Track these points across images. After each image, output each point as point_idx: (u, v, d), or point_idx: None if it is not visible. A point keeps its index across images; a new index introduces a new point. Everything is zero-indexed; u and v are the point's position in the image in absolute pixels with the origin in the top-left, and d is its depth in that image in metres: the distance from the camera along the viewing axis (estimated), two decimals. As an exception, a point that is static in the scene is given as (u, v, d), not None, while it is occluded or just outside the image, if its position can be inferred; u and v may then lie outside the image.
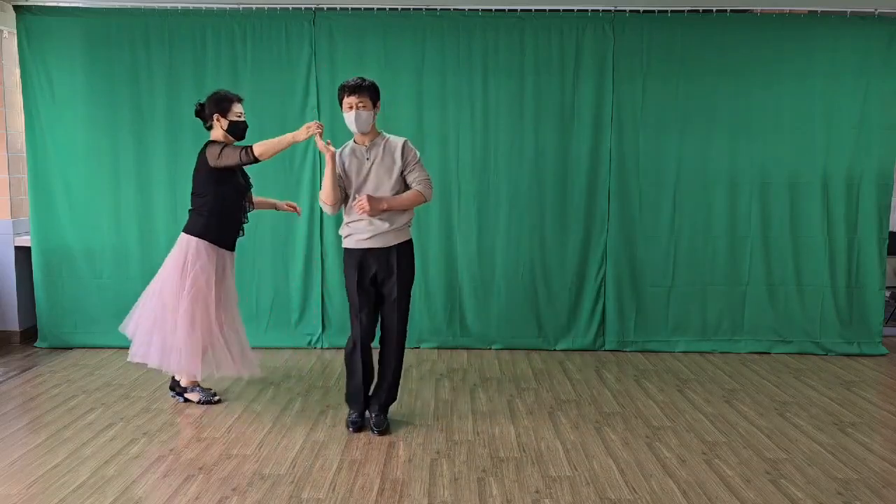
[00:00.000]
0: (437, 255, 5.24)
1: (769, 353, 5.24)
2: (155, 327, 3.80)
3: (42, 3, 5.01)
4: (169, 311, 3.78)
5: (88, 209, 5.18)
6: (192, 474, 3.18)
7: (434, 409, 4.04)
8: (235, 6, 5.03)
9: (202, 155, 3.78)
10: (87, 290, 5.22)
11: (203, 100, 3.90)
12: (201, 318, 3.77)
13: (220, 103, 3.83)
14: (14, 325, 5.27)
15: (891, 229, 5.38)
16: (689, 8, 5.05)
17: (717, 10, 5.05)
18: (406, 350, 3.84)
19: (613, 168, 5.16)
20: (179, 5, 5.04)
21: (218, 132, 3.85)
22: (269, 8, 5.03)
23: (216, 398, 4.08)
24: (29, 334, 5.33)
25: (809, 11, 5.09)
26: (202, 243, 3.80)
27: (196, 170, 3.84)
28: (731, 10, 5.06)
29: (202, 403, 4.04)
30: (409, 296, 3.66)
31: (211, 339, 3.82)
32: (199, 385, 4.08)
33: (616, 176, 5.16)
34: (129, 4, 5.02)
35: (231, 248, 3.94)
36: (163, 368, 3.85)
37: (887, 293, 5.44)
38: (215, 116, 3.82)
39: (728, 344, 5.27)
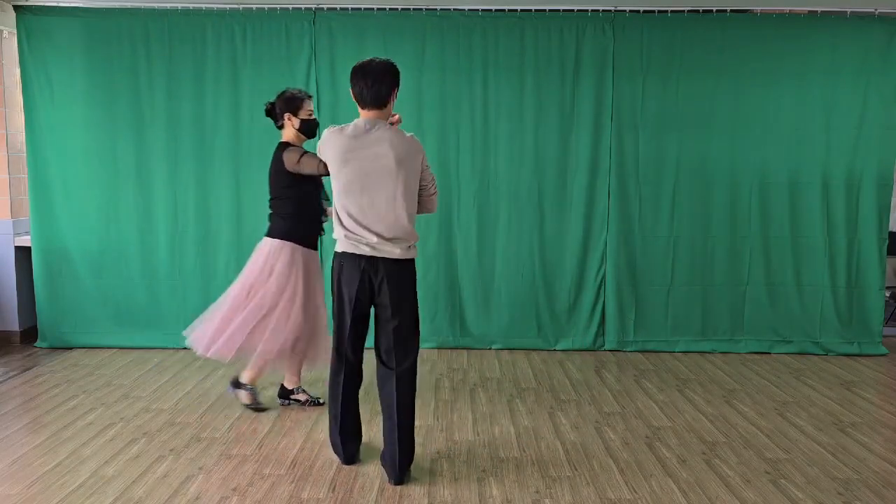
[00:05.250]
0: (437, 255, 5.25)
1: (769, 353, 5.24)
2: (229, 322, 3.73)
3: (42, 3, 5.00)
4: (264, 310, 3.72)
5: (88, 209, 5.17)
6: (192, 474, 3.18)
7: (434, 409, 4.04)
8: (235, 6, 5.03)
9: (278, 159, 3.68)
10: (87, 290, 5.21)
11: (271, 100, 3.80)
12: (294, 316, 3.73)
13: (291, 102, 3.74)
14: (14, 325, 5.27)
15: (891, 229, 5.38)
16: (689, 8, 5.05)
17: (717, 10, 5.05)
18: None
19: (613, 168, 5.16)
20: (179, 5, 5.04)
21: (290, 132, 3.77)
22: (269, 8, 5.03)
23: (321, 400, 4.05)
24: (29, 334, 5.33)
25: (809, 11, 5.09)
26: (286, 244, 3.74)
27: (272, 173, 3.75)
28: (731, 10, 5.06)
29: (309, 405, 4.03)
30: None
31: (303, 333, 3.78)
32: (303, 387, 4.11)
33: (616, 175, 5.16)
34: (129, 4, 5.02)
35: (314, 247, 3.88)
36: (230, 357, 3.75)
37: (887, 293, 5.43)
38: (287, 116, 3.73)
39: (728, 344, 5.27)
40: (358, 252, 3.04)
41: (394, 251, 3.04)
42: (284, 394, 4.06)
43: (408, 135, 3.10)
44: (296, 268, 3.75)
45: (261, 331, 3.70)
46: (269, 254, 3.76)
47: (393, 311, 3.08)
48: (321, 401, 4.03)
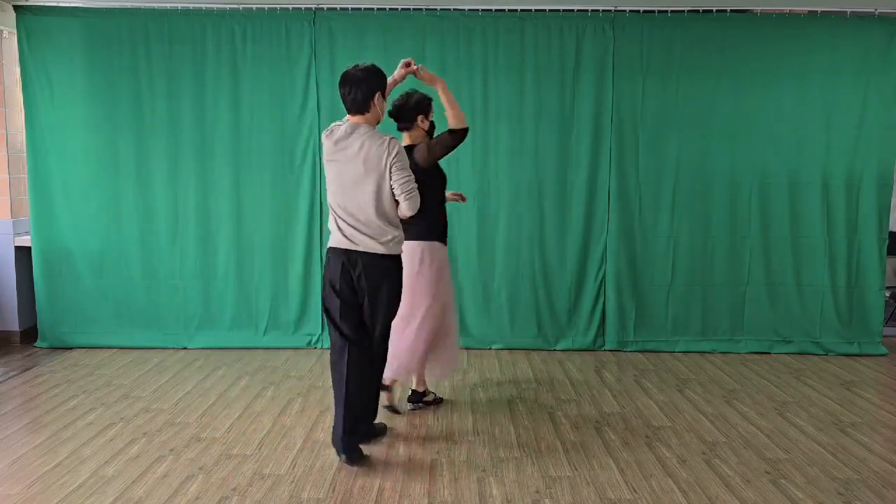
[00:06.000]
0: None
1: (769, 353, 5.24)
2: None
3: (42, 3, 5.00)
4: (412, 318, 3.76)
5: (88, 209, 5.17)
6: (192, 474, 3.18)
7: (434, 409, 4.04)
8: (235, 6, 5.03)
9: (407, 160, 3.50)
10: (87, 290, 5.21)
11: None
12: (448, 316, 3.85)
13: (422, 104, 3.70)
14: (14, 325, 5.27)
15: (891, 229, 5.38)
16: (689, 8, 5.05)
17: (717, 10, 5.05)
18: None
19: (613, 168, 5.16)
20: (179, 5, 5.04)
21: (418, 133, 3.72)
22: (269, 8, 5.03)
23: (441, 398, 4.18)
24: (29, 334, 5.33)
25: (809, 11, 5.09)
26: (434, 245, 3.73)
27: None
28: (731, 10, 5.06)
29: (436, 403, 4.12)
30: None
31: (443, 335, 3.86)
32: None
33: (616, 176, 5.16)
34: (129, 4, 5.02)
35: (445, 241, 3.85)
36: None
37: (887, 293, 5.43)
38: (419, 118, 3.68)
39: (728, 344, 5.27)
40: (340, 246, 3.23)
41: (373, 246, 3.20)
42: (417, 398, 4.06)
43: (385, 137, 3.16)
44: (436, 265, 3.75)
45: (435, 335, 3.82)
46: (420, 257, 3.71)
47: (370, 300, 3.24)
48: (440, 398, 4.15)
